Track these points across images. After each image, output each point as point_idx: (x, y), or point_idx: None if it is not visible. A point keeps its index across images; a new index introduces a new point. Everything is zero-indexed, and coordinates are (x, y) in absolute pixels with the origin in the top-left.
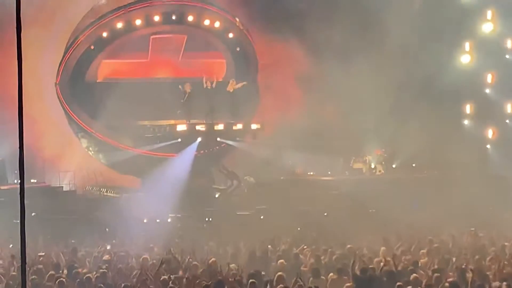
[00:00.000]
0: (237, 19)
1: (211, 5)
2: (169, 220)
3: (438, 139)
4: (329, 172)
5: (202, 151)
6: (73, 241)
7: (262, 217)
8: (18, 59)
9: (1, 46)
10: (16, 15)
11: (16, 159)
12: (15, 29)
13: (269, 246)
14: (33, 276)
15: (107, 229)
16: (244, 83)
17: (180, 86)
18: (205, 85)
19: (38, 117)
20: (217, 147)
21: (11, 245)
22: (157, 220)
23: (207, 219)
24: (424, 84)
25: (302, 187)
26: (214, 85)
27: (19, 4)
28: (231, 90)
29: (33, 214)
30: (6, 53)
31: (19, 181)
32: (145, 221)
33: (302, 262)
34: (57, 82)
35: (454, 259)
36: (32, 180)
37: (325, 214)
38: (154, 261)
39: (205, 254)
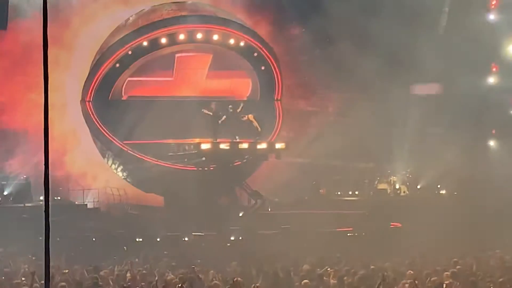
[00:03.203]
0: (263, 38)
1: (236, 24)
2: (192, 238)
3: (463, 160)
4: (353, 193)
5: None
6: (96, 258)
7: (286, 236)
8: (44, 77)
9: (28, 66)
10: (43, 34)
11: (41, 177)
12: (42, 48)
13: (292, 267)
14: None
15: (125, 248)
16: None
17: (212, 105)
18: (230, 110)
19: (63, 135)
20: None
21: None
22: (181, 239)
23: (232, 238)
24: (450, 105)
25: (326, 207)
26: (240, 109)
27: (46, 23)
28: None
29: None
30: (32, 72)
31: (43, 198)
32: (168, 239)
33: (325, 283)
34: (83, 100)
35: (479, 281)
36: (56, 198)
37: (349, 234)
38: (177, 280)
39: (228, 274)
